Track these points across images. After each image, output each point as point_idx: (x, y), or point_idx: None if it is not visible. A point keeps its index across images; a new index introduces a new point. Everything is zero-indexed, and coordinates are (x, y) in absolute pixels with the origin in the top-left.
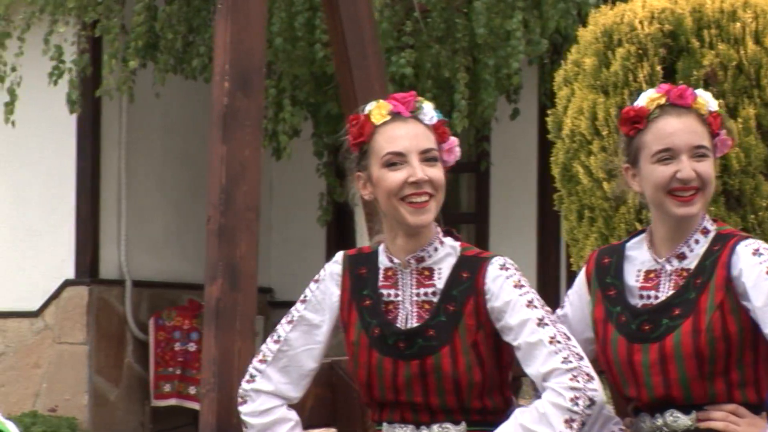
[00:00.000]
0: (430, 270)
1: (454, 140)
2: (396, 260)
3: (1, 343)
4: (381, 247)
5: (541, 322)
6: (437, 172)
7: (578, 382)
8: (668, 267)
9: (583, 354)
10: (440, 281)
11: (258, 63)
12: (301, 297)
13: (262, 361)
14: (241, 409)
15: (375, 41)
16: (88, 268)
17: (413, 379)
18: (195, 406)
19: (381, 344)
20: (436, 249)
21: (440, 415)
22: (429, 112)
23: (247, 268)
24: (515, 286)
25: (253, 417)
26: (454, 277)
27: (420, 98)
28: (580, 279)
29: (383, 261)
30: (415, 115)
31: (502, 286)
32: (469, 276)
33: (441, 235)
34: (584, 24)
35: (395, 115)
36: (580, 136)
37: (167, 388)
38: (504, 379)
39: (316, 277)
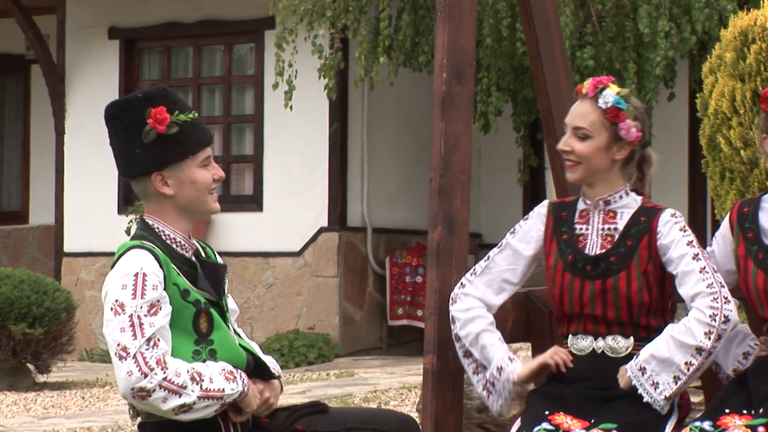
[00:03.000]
0: (614, 212)
1: (629, 123)
2: (588, 202)
3: (271, 276)
4: (581, 195)
5: (695, 257)
6: (581, 146)
7: (717, 303)
8: None
9: (724, 283)
10: (621, 222)
11: (469, 58)
12: (511, 230)
13: (472, 274)
14: (452, 307)
15: (561, 41)
16: (338, 218)
17: (596, 295)
18: (421, 325)
19: (572, 267)
20: (621, 197)
21: (614, 327)
22: (607, 97)
23: (461, 218)
24: (680, 230)
25: (460, 312)
26: (634, 220)
27: (608, 84)
28: (725, 224)
29: (580, 204)
30: (594, 98)
31: (670, 228)
32: (645, 220)
33: (628, 188)
34: (725, 26)
35: (584, 95)
36: (722, 114)
37: (400, 311)
38: (665, 306)
39: (526, 216)
